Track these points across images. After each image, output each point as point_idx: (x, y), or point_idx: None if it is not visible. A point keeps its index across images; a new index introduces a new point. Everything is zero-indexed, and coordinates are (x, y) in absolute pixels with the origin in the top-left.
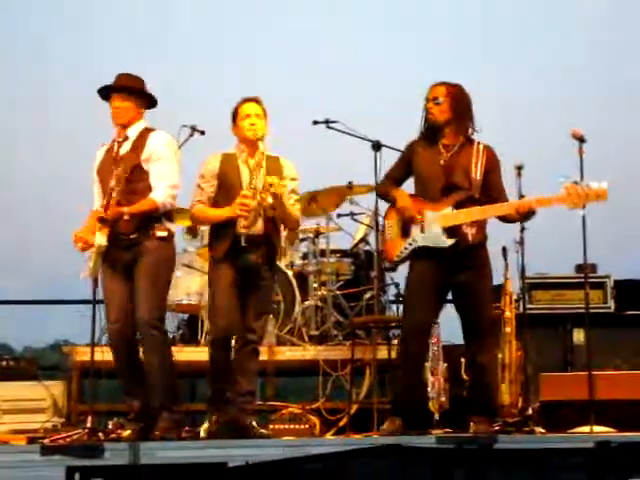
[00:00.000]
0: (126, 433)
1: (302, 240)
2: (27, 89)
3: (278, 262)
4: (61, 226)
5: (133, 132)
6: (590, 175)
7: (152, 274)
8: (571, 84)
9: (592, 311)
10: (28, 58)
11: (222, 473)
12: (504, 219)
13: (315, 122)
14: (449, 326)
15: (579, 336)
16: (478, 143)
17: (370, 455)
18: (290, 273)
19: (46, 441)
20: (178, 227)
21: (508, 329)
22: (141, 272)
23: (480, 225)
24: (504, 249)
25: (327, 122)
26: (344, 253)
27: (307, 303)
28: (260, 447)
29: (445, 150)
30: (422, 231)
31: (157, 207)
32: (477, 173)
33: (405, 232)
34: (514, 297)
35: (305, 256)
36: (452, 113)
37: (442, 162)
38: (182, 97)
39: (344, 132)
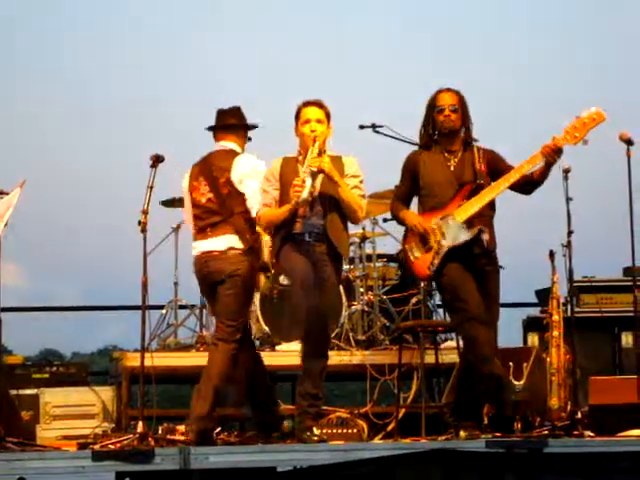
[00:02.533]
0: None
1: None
2: None
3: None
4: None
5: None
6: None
7: None
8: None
9: None
10: None
11: (271, 478)
12: (521, 188)
13: (362, 127)
14: None
15: (627, 339)
16: (479, 147)
17: (419, 460)
18: None
19: (96, 447)
20: None
21: (556, 333)
22: None
23: (491, 233)
24: (551, 253)
25: (374, 126)
26: (390, 258)
27: (354, 308)
28: (309, 452)
29: (452, 156)
30: (444, 236)
31: None
32: (480, 164)
33: (427, 246)
34: (562, 300)
35: (352, 261)
36: (464, 120)
37: (452, 168)
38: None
39: (390, 136)
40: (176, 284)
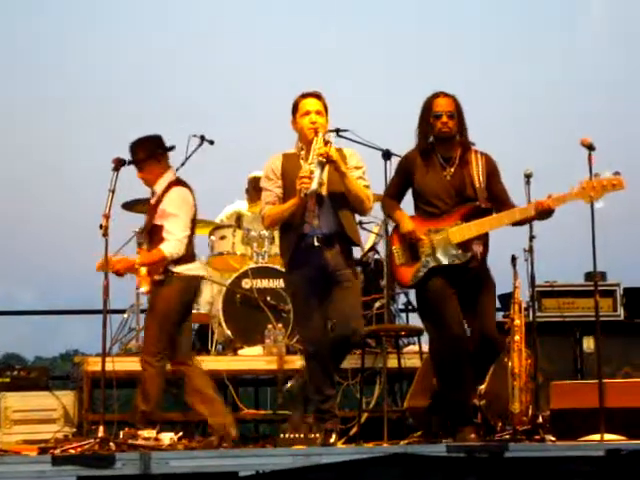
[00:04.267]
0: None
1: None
2: None
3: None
4: (75, 237)
5: (160, 187)
6: None
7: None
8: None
9: (602, 319)
10: None
11: None
12: (517, 223)
13: None
14: None
15: (589, 344)
16: (475, 151)
17: (380, 464)
18: None
19: (57, 451)
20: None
21: (517, 337)
22: None
23: (485, 241)
24: (513, 257)
25: (337, 131)
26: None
27: None
28: (271, 456)
29: (447, 164)
30: (434, 251)
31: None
32: (481, 182)
33: (414, 254)
34: (523, 305)
35: None
36: (460, 125)
37: (449, 178)
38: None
39: (354, 141)
40: (138, 288)
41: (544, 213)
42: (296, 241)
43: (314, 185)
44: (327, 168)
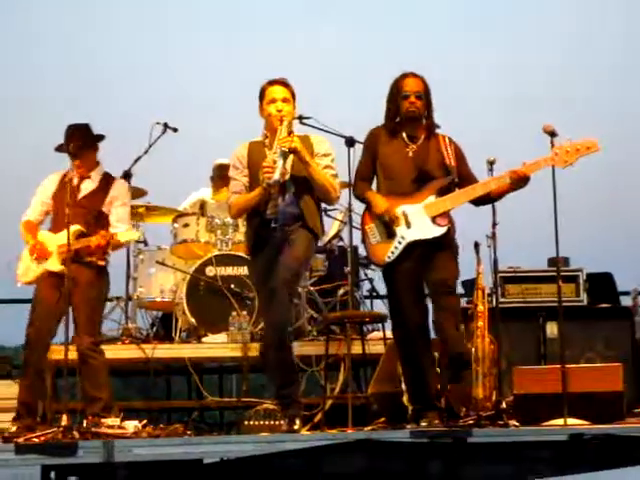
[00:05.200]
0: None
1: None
2: None
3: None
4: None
5: (97, 175)
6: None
7: None
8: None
9: (565, 304)
10: None
11: (198, 470)
12: (490, 198)
13: None
14: None
15: (552, 329)
16: (440, 134)
17: (344, 450)
18: None
19: (20, 440)
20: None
21: (481, 323)
22: None
23: (451, 220)
24: (476, 243)
25: (300, 118)
26: (318, 249)
27: None
28: (235, 443)
29: (411, 142)
30: (409, 227)
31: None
32: (450, 160)
33: (389, 232)
34: (486, 291)
35: None
36: (428, 106)
37: (411, 154)
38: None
39: (317, 128)
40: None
41: (519, 181)
42: (258, 227)
43: (276, 175)
44: (291, 158)
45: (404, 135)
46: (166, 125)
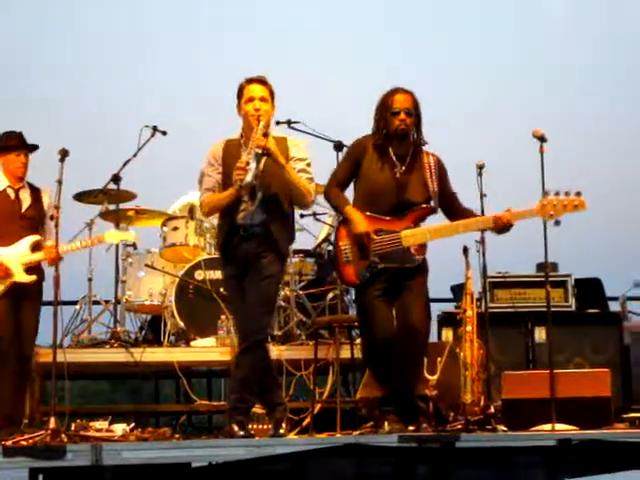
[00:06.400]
0: None
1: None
2: None
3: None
4: None
5: (25, 184)
6: (549, 173)
7: None
8: (534, 84)
9: (553, 310)
10: None
11: (185, 473)
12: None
13: (277, 122)
14: None
15: (540, 334)
16: (427, 152)
17: (332, 454)
18: None
19: (8, 442)
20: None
21: (469, 328)
22: None
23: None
24: (465, 248)
25: (289, 122)
26: (307, 253)
27: None
28: (223, 447)
29: (399, 162)
30: (385, 253)
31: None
32: (434, 184)
33: (364, 254)
34: (475, 296)
35: None
36: (418, 123)
37: (398, 175)
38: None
39: (306, 132)
40: (90, 280)
41: (503, 228)
42: (227, 231)
43: (249, 177)
44: (264, 160)
45: (392, 154)
46: (155, 128)
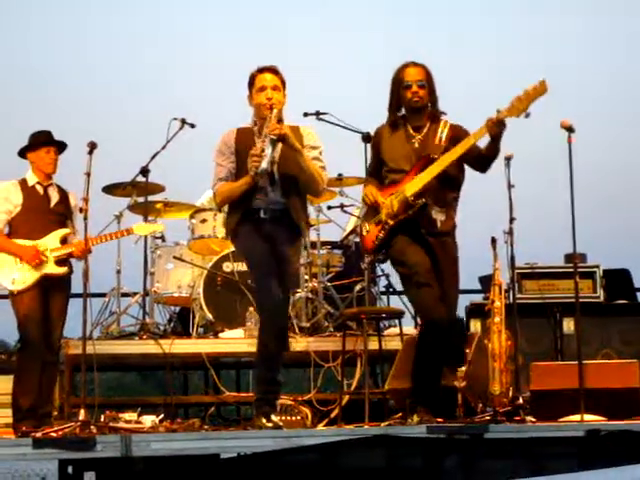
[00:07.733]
0: None
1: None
2: None
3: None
4: None
5: (54, 183)
6: (579, 166)
7: None
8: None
9: (582, 300)
10: None
11: (214, 465)
12: (474, 164)
13: (306, 114)
14: None
15: (569, 325)
16: (445, 122)
17: (361, 446)
18: None
19: (38, 434)
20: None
21: (497, 319)
22: None
23: (450, 214)
24: (493, 239)
25: (317, 114)
26: (334, 245)
27: (298, 295)
28: (252, 438)
29: (417, 132)
30: (393, 210)
31: None
32: (440, 140)
33: (376, 220)
34: (504, 287)
35: None
36: (431, 94)
37: (417, 144)
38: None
39: (334, 124)
40: (119, 272)
41: (494, 125)
42: (242, 215)
43: (264, 164)
44: (280, 146)
45: (409, 128)
46: (184, 121)
